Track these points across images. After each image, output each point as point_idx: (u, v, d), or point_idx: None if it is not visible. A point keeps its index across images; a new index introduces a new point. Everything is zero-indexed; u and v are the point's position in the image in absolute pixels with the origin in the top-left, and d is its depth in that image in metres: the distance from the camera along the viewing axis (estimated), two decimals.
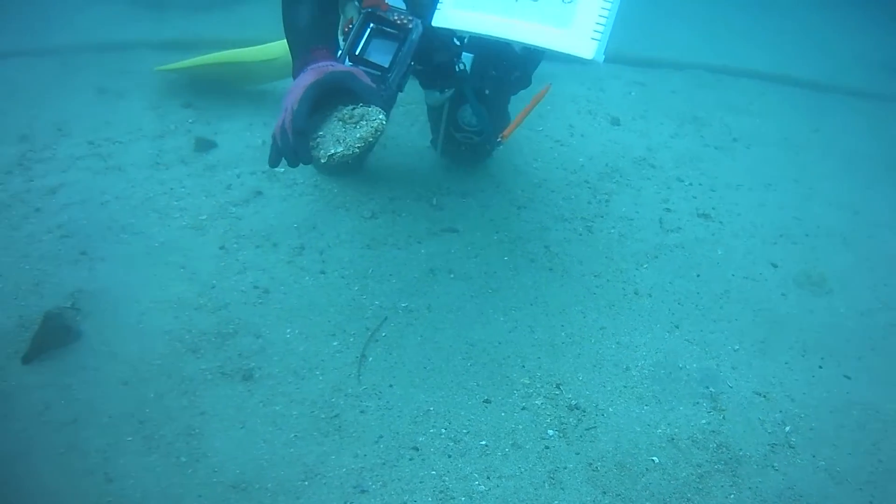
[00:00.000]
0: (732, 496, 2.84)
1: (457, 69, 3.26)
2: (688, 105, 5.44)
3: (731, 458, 2.96)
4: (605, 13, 2.39)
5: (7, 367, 3.05)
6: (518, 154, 4.27)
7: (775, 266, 3.95)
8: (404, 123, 4.06)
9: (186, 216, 3.82)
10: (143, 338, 3.18)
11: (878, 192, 4.73)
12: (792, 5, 7.63)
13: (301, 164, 2.51)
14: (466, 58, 3.20)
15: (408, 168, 4.01)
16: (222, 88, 4.76)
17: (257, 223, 3.82)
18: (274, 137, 2.49)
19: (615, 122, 5.03)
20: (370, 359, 3.20)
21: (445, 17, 2.72)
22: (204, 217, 3.82)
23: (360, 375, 3.13)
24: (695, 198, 4.37)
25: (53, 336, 3.12)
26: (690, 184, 4.49)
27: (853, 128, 5.48)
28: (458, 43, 3.13)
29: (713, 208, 4.30)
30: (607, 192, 4.30)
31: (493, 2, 2.64)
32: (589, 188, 4.31)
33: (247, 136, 4.44)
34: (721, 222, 4.20)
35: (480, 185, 4.19)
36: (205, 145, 4.28)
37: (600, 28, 2.38)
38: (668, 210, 4.24)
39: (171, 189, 3.99)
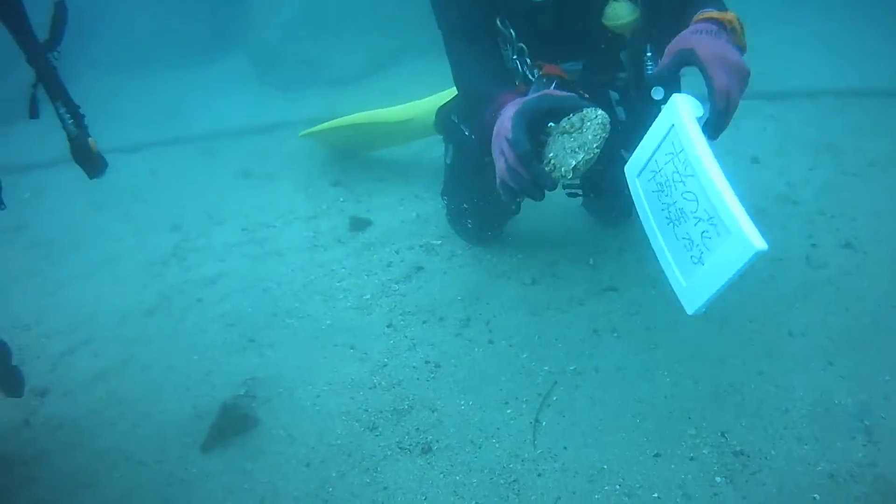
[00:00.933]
0: None
1: None
2: (821, 134, 5.45)
3: (888, 490, 2.99)
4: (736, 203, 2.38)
5: (186, 456, 3.21)
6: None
7: None
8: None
9: (350, 297, 3.95)
10: (321, 420, 3.31)
11: None
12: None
13: (546, 192, 2.46)
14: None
15: (561, 230, 4.07)
16: (369, 165, 4.94)
17: (421, 298, 3.92)
18: (504, 184, 2.49)
19: (755, 160, 5.09)
20: (543, 423, 3.28)
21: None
22: (368, 296, 3.94)
23: (535, 440, 3.21)
24: (838, 230, 4.38)
25: (231, 424, 3.26)
26: (832, 216, 4.50)
27: None
28: None
29: (856, 238, 4.31)
30: None
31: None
32: None
33: (400, 211, 4.56)
34: (865, 252, 4.21)
35: (632, 240, 4.25)
36: (359, 224, 4.41)
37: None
38: (813, 245, 4.27)
39: (332, 270, 4.13)
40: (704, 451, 3.13)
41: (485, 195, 3.76)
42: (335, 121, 4.82)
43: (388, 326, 3.78)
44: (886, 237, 4.27)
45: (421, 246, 4.28)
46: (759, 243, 2.14)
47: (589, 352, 3.56)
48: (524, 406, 3.35)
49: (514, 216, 3.99)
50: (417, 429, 3.27)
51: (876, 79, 6.09)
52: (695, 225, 2.40)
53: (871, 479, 2.99)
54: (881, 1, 7.22)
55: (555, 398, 3.38)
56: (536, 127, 2.44)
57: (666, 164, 2.47)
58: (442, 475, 3.08)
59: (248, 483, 3.07)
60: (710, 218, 2.32)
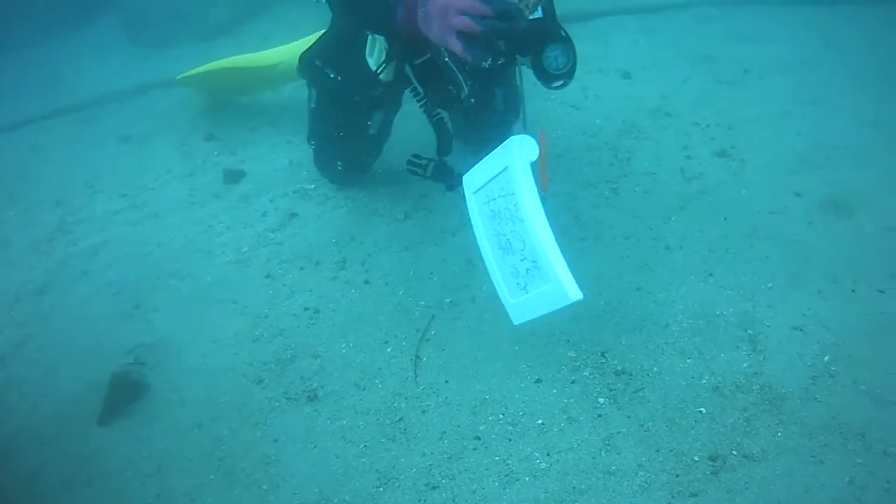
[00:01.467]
0: (780, 434, 3.02)
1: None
2: (697, 44, 5.52)
3: (774, 398, 3.13)
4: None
5: (86, 431, 3.31)
6: (536, 126, 4.41)
7: (799, 195, 4.08)
8: (409, 125, 4.21)
9: (229, 251, 4.04)
10: (209, 378, 3.42)
11: (895, 104, 4.79)
12: None
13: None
14: None
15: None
16: (241, 115, 5.04)
17: (297, 245, 4.02)
18: (471, 47, 2.50)
19: (626, 75, 5.17)
20: (424, 359, 3.41)
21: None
22: (245, 249, 4.04)
23: (416, 377, 3.35)
24: (713, 139, 4.49)
25: (123, 394, 3.37)
26: (707, 125, 4.61)
27: (864, 38, 5.53)
28: None
29: (732, 146, 4.42)
30: (628, 149, 4.45)
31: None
32: (610, 149, 4.46)
33: (273, 159, 4.64)
34: (742, 160, 4.32)
35: None
36: (234, 176, 4.50)
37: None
38: (688, 157, 4.38)
39: (210, 226, 4.21)
40: (585, 373, 3.28)
41: (352, 135, 3.89)
42: (209, 64, 4.89)
43: (266, 277, 3.87)
44: (762, 143, 4.43)
45: (295, 192, 4.36)
46: (575, 295, 2.56)
47: (464, 283, 3.67)
48: (404, 343, 3.47)
49: (379, 154, 4.12)
50: (302, 377, 3.37)
51: None
52: (521, 261, 2.69)
53: (758, 388, 3.16)
54: None
55: (433, 332, 3.50)
56: None
57: (499, 197, 2.75)
58: (329, 421, 3.20)
59: (146, 451, 3.18)
60: (535, 262, 2.62)
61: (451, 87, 3.30)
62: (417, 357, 3.42)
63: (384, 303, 3.67)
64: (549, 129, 4.52)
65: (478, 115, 3.68)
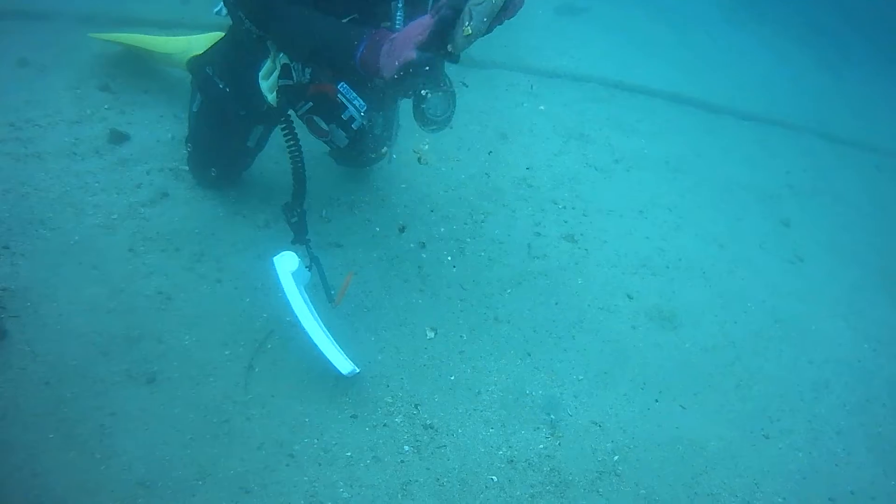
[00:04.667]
0: None
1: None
2: (577, 120, 5.97)
3: (561, 482, 3.67)
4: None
5: None
6: (405, 167, 4.77)
7: (630, 298, 4.61)
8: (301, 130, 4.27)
9: (99, 214, 4.32)
10: (61, 339, 3.73)
11: (747, 225, 5.41)
12: (700, 21, 8.26)
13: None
14: None
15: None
16: (138, 71, 5.30)
17: (163, 226, 4.33)
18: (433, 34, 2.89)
19: (503, 136, 5.59)
20: (257, 369, 3.83)
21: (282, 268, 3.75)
22: (115, 216, 4.32)
23: (247, 385, 3.79)
24: (566, 222, 4.97)
25: None
26: (564, 207, 5.08)
27: (736, 153, 6.13)
28: None
29: (581, 234, 4.91)
30: (484, 212, 4.91)
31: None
32: (467, 207, 4.91)
33: (158, 129, 4.93)
34: (587, 249, 4.82)
35: (367, 197, 4.78)
36: (118, 137, 4.77)
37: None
38: (538, 234, 4.85)
39: (87, 183, 4.47)
40: (397, 420, 3.76)
41: (231, 146, 4.25)
42: (119, 35, 5.22)
43: (129, 251, 4.18)
44: (612, 238, 4.92)
45: (171, 169, 4.67)
46: (347, 370, 3.65)
47: None
48: (241, 350, 3.89)
49: (251, 164, 4.48)
50: (145, 358, 3.75)
51: (644, 77, 6.72)
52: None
53: (548, 469, 3.69)
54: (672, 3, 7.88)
55: (269, 346, 3.94)
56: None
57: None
58: (163, 406, 3.60)
59: None
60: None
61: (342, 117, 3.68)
62: (251, 366, 3.85)
63: (231, 306, 4.04)
64: (417, 174, 5.00)
65: (361, 140, 3.93)
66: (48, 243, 4.12)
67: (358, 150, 4.08)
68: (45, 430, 3.41)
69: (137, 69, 5.27)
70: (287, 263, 3.67)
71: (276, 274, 3.68)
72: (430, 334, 4.17)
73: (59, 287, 3.92)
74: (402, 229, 4.54)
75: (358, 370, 3.65)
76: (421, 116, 3.33)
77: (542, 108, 6.07)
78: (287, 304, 3.70)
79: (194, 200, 4.53)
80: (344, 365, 3.63)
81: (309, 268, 3.83)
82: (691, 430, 4.02)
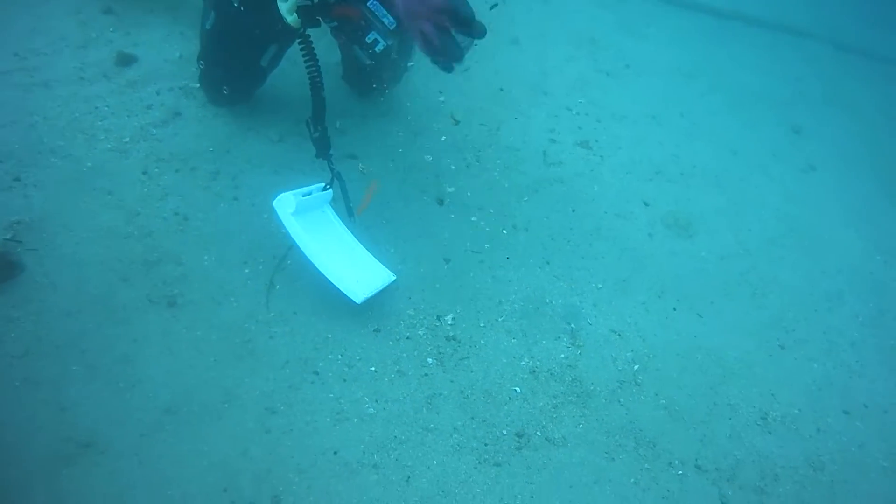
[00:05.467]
0: (581, 426, 3.59)
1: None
2: (587, 25, 5.86)
3: (582, 392, 3.69)
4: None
5: None
6: (418, 78, 4.73)
7: (647, 205, 4.59)
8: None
9: (111, 138, 4.27)
10: (80, 268, 3.70)
11: (759, 133, 5.35)
12: None
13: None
14: None
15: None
16: None
17: (176, 146, 4.29)
18: (431, 45, 2.89)
19: (515, 41, 5.49)
20: (277, 287, 3.82)
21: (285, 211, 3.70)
22: (127, 139, 4.28)
23: (268, 303, 3.78)
24: (580, 128, 4.92)
25: (0, 271, 3.61)
26: (577, 113, 5.03)
27: (746, 60, 6.00)
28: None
29: (596, 140, 4.87)
30: (498, 119, 4.85)
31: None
32: (482, 114, 4.86)
33: (165, 49, 4.84)
34: (601, 156, 4.78)
35: (382, 109, 4.72)
36: (126, 59, 4.69)
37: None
38: (552, 141, 4.81)
39: (96, 108, 4.41)
40: (420, 332, 3.77)
41: (243, 65, 4.17)
42: None
43: (143, 173, 4.14)
44: (624, 144, 4.89)
45: (181, 88, 4.60)
46: (359, 298, 3.65)
47: None
48: (261, 268, 3.87)
49: (265, 82, 4.39)
50: (164, 282, 3.73)
51: None
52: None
53: (570, 380, 3.72)
54: None
55: (289, 262, 3.90)
56: None
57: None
58: (185, 329, 3.60)
59: (15, 331, 3.48)
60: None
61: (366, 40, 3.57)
62: (272, 284, 3.83)
63: (249, 223, 4.02)
64: (430, 84, 4.93)
65: (382, 61, 3.85)
66: (60, 172, 4.08)
67: (386, 72, 4.11)
68: (69, 363, 3.42)
69: None
70: (286, 206, 3.66)
71: (279, 218, 3.69)
72: (450, 246, 4.14)
73: (74, 216, 3.89)
74: (417, 138, 4.52)
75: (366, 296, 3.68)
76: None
77: (551, 12, 5.98)
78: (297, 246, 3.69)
79: (206, 119, 4.50)
80: (356, 292, 3.66)
81: (329, 184, 3.82)
82: (709, 339, 4.04)
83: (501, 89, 5.01)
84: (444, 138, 4.68)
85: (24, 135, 4.21)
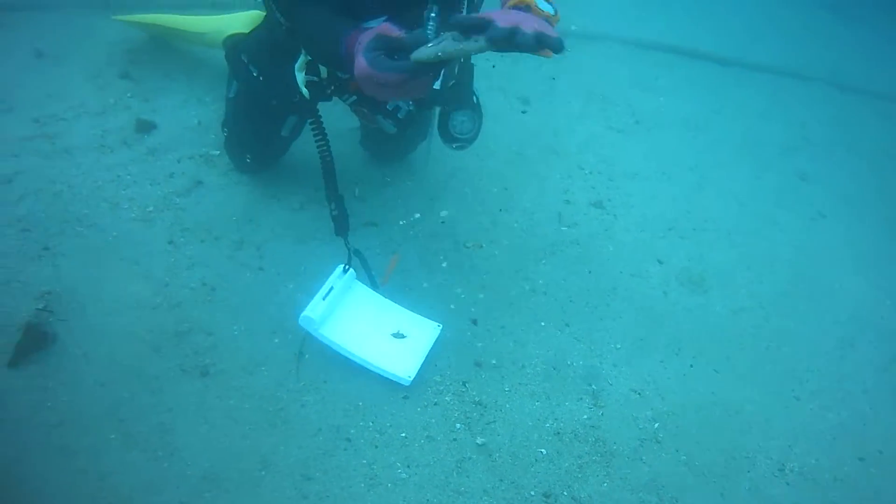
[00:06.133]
0: (606, 484, 3.63)
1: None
2: (596, 82, 5.90)
3: (606, 451, 3.73)
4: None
5: None
6: (432, 139, 4.86)
7: (661, 262, 4.64)
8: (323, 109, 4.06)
9: (135, 207, 4.31)
10: (111, 339, 3.74)
11: (767, 182, 5.40)
12: None
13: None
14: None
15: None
16: (157, 55, 5.27)
17: (200, 215, 4.33)
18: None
19: (525, 101, 5.54)
20: (307, 356, 3.86)
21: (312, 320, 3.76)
22: (151, 209, 4.32)
23: (298, 371, 3.82)
24: (593, 188, 4.97)
25: (34, 341, 3.67)
26: (590, 172, 5.08)
27: (751, 107, 6.06)
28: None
29: (609, 200, 4.91)
30: (514, 182, 4.91)
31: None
32: (497, 178, 4.92)
33: (183, 116, 4.89)
34: (615, 215, 4.82)
35: (398, 173, 4.79)
36: (145, 126, 4.75)
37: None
38: (567, 202, 4.87)
39: (118, 176, 4.46)
40: (447, 398, 3.81)
41: (264, 134, 4.23)
42: (146, 17, 5.15)
43: (169, 243, 4.18)
44: (637, 202, 4.92)
45: (201, 156, 4.66)
46: (406, 379, 3.80)
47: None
48: (290, 337, 3.91)
49: (287, 151, 4.45)
50: (196, 352, 3.78)
51: (663, 34, 6.66)
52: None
53: (593, 440, 3.75)
54: None
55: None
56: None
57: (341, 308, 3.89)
58: (218, 399, 3.64)
59: (51, 401, 3.51)
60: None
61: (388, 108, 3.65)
62: (301, 353, 3.88)
63: (275, 293, 4.06)
64: (444, 145, 4.82)
65: (408, 126, 3.86)
66: (87, 241, 4.11)
67: (407, 138, 4.15)
68: (106, 432, 3.44)
69: (156, 53, 5.25)
70: (311, 323, 3.81)
71: (313, 334, 3.83)
72: (472, 310, 4.20)
73: (103, 286, 3.93)
74: (435, 203, 4.62)
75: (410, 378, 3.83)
76: (444, 132, 3.38)
77: (560, 69, 6.01)
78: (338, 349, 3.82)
79: (228, 186, 4.54)
80: (402, 379, 3.81)
81: (348, 264, 3.93)
82: (726, 394, 4.07)
83: (515, 151, 5.03)
84: (462, 203, 4.73)
85: (49, 203, 4.25)
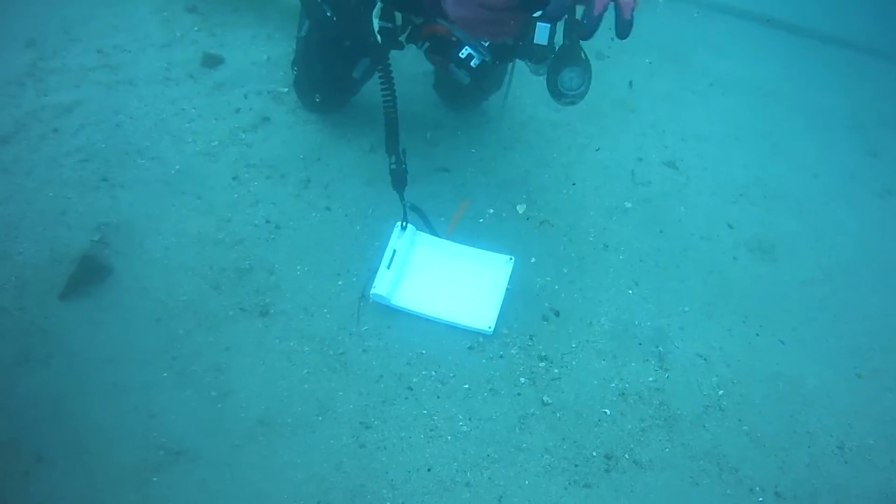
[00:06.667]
0: (667, 450, 3.52)
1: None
2: (671, 41, 5.71)
3: (669, 416, 3.61)
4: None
5: (45, 303, 3.53)
6: (509, 89, 4.70)
7: (731, 227, 4.45)
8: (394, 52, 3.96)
9: (199, 141, 4.22)
10: (170, 273, 3.68)
11: (839, 155, 5.16)
12: None
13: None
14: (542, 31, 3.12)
15: (403, 98, 4.05)
16: None
17: (266, 152, 4.23)
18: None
19: (600, 55, 5.37)
20: (371, 299, 3.75)
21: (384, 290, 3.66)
22: (216, 143, 4.24)
23: (361, 316, 3.73)
24: (666, 147, 4.79)
25: (89, 273, 3.59)
26: (664, 131, 4.89)
27: (823, 79, 5.78)
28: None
29: (681, 160, 4.73)
30: (587, 135, 4.74)
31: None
32: (570, 130, 4.74)
33: (252, 51, 4.76)
34: (688, 177, 4.65)
35: (471, 120, 4.62)
36: (212, 60, 4.62)
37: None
38: (640, 160, 4.68)
39: (182, 109, 4.36)
40: (513, 351, 3.68)
41: (335, 75, 4.05)
42: None
43: (233, 178, 4.10)
44: (709, 165, 4.74)
45: (269, 92, 4.53)
46: (487, 330, 3.74)
47: None
48: (354, 279, 3.81)
49: (357, 92, 4.26)
50: (256, 290, 3.69)
51: None
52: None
53: (657, 403, 3.63)
54: None
55: None
56: None
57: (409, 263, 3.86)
58: (277, 340, 3.56)
59: (103, 335, 3.44)
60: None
61: (460, 55, 3.48)
62: (364, 297, 3.78)
63: (342, 234, 3.96)
64: (518, 94, 4.80)
65: (483, 76, 3.68)
66: (147, 173, 4.05)
67: (482, 88, 4.01)
68: (159, 369, 3.40)
69: None
70: (382, 298, 3.74)
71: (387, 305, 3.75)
72: (542, 263, 4.05)
73: (163, 220, 3.87)
74: (508, 153, 4.43)
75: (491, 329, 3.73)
76: (553, 89, 3.16)
77: (637, 24, 5.61)
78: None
79: (296, 124, 4.42)
80: (484, 323, 3.74)
81: (405, 222, 3.84)
82: (790, 366, 3.92)
83: (589, 104, 4.69)
84: (535, 153, 4.57)
85: (110, 134, 4.18)
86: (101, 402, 3.31)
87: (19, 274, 3.62)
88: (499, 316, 3.74)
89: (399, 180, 3.70)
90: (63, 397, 3.30)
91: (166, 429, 3.27)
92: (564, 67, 3.10)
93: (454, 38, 3.41)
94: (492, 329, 3.67)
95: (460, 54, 3.46)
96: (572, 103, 3.24)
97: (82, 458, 3.18)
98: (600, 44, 5.45)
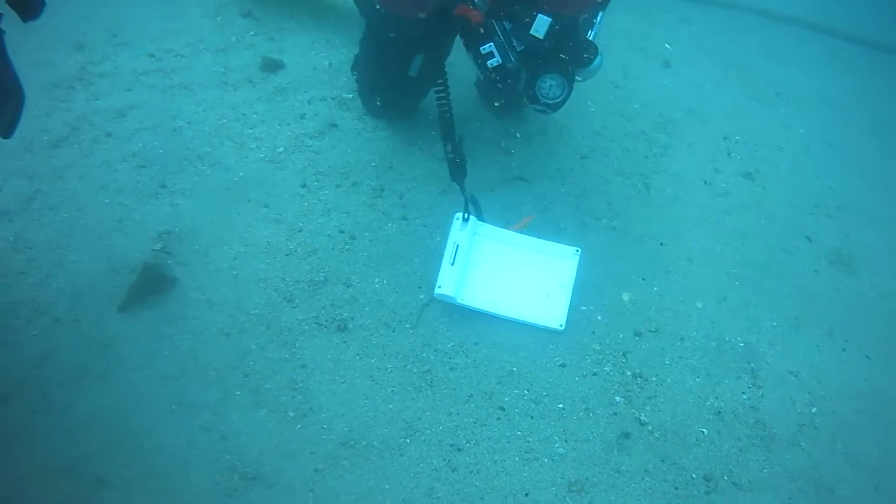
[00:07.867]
0: (766, 470, 3.27)
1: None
2: (733, 50, 5.51)
3: (766, 435, 3.38)
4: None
5: (103, 314, 3.28)
6: (577, 94, 4.46)
7: (810, 240, 4.23)
8: (460, 61, 3.88)
9: (263, 147, 3.98)
10: (238, 285, 3.43)
11: None
12: None
13: None
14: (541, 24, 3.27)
15: (471, 107, 4.04)
16: None
17: (335, 159, 3.99)
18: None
19: (666, 64, 5.14)
20: (456, 315, 3.49)
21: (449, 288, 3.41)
22: (281, 149, 3.99)
23: (447, 332, 3.46)
24: (740, 158, 4.57)
25: (151, 284, 3.33)
26: (736, 141, 4.68)
27: (883, 90, 5.60)
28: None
29: (757, 171, 4.52)
30: (662, 145, 4.52)
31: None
32: (645, 140, 4.52)
33: (312, 56, 4.52)
34: (764, 187, 4.43)
35: (543, 128, 4.38)
36: (271, 65, 4.38)
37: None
38: (716, 170, 4.46)
39: (243, 114, 4.12)
40: (606, 368, 3.44)
41: (390, 73, 3.86)
42: None
43: (302, 186, 3.85)
44: (785, 174, 4.53)
45: (333, 98, 4.29)
46: (558, 328, 3.54)
47: None
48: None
49: (423, 97, 4.07)
50: (333, 304, 3.44)
51: (794, 6, 6.12)
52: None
53: (753, 422, 3.39)
54: None
55: None
56: None
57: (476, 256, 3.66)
58: (358, 357, 3.30)
59: (168, 350, 3.20)
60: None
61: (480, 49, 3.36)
62: (450, 312, 3.52)
63: (420, 245, 3.72)
64: (589, 103, 4.62)
65: (496, 81, 3.53)
66: (209, 180, 3.81)
67: (492, 93, 3.66)
68: (231, 387, 3.15)
69: None
70: (449, 297, 3.50)
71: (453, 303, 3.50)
72: (630, 277, 3.85)
73: (228, 228, 3.63)
74: (584, 162, 4.25)
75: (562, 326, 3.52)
76: (530, 94, 3.21)
77: (696, 35, 5.61)
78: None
79: (364, 132, 4.17)
80: (555, 321, 3.53)
81: (466, 214, 3.63)
82: (878, 381, 3.69)
83: (661, 113, 4.68)
84: (611, 163, 4.34)
85: (167, 139, 3.94)
86: (167, 422, 3.04)
87: (74, 283, 3.36)
88: (586, 332, 3.57)
89: (457, 170, 3.51)
90: (125, 416, 3.03)
91: (240, 451, 3.00)
92: (546, 73, 3.15)
93: (481, 30, 3.25)
94: (563, 327, 3.47)
95: (482, 49, 3.30)
96: (545, 112, 3.27)
97: (147, 482, 2.91)
98: (665, 52, 5.27)
